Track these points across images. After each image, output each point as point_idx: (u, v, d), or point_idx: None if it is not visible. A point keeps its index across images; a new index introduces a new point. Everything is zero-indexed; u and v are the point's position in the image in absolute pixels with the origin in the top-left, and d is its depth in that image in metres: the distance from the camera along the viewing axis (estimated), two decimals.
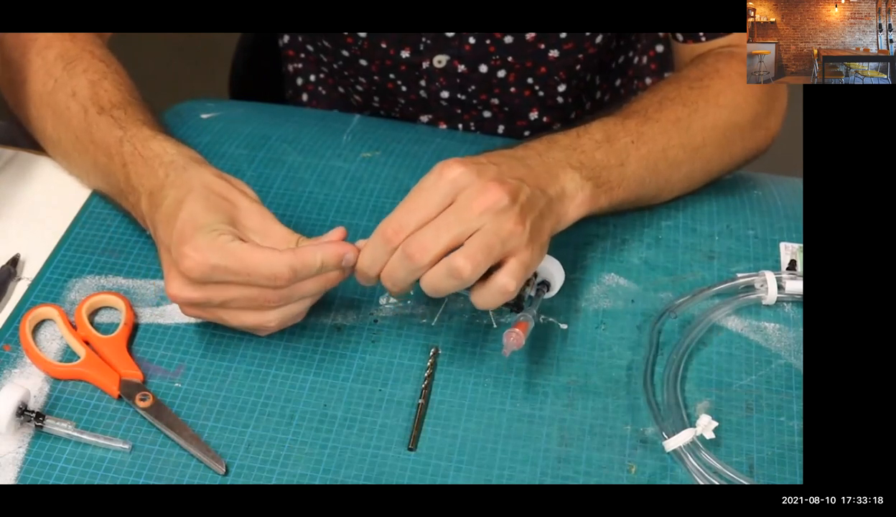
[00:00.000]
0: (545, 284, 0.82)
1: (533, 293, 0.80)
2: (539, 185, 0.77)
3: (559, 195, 0.79)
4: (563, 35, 1.03)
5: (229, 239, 0.74)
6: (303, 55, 1.20)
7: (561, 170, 0.80)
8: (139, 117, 0.86)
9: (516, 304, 0.78)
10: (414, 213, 0.74)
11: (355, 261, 0.76)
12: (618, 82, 1.19)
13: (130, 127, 0.85)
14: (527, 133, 1.14)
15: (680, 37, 0.99)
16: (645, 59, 1.22)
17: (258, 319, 0.77)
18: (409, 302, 0.85)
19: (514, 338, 0.76)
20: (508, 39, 1.02)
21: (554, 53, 1.04)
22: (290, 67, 1.22)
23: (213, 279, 0.74)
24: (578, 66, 1.07)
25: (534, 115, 1.12)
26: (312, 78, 1.21)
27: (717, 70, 0.93)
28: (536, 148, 0.82)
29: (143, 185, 0.81)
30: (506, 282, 0.74)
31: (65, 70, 0.90)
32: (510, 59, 1.04)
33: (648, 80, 1.23)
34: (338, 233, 0.77)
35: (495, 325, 0.83)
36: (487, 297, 0.75)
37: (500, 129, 1.14)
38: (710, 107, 0.90)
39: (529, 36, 1.02)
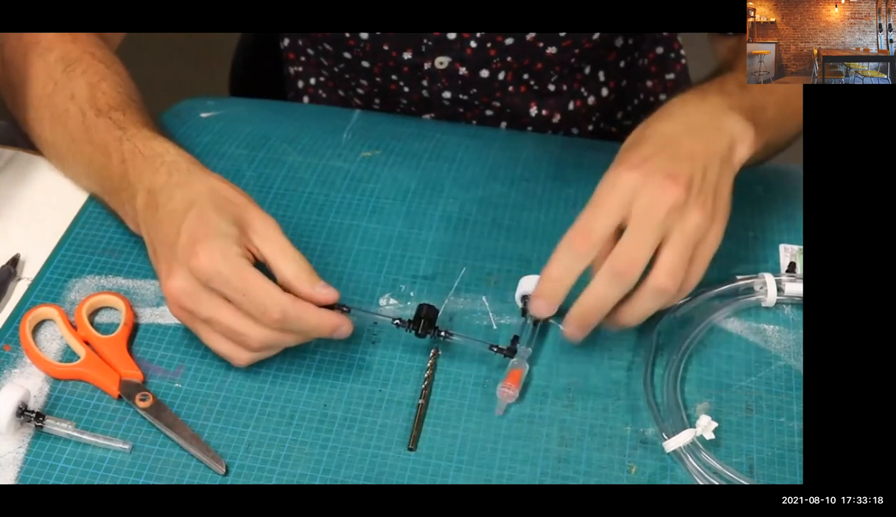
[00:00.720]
0: None
1: (530, 321, 0.81)
2: (709, 150, 0.77)
3: (730, 144, 0.79)
4: (563, 33, 1.03)
5: (240, 253, 0.75)
6: (303, 58, 1.20)
7: (723, 114, 0.80)
8: (138, 119, 0.87)
9: (509, 349, 0.79)
10: (599, 221, 0.73)
11: (344, 335, 0.76)
12: (624, 83, 1.19)
13: (130, 127, 0.85)
14: (529, 129, 1.14)
15: (731, 33, 0.98)
16: (646, 61, 1.22)
17: (231, 352, 0.77)
18: (408, 302, 0.85)
19: (507, 393, 0.77)
20: (509, 41, 1.02)
21: (552, 50, 1.04)
22: (292, 70, 1.22)
23: (211, 285, 0.74)
24: (573, 60, 1.08)
25: (534, 111, 1.12)
26: (313, 81, 1.20)
27: None
28: (690, 104, 0.82)
29: (142, 182, 0.81)
30: (700, 271, 0.76)
31: (64, 72, 0.90)
32: (509, 59, 1.04)
33: (650, 82, 1.23)
34: (332, 295, 0.76)
35: (495, 326, 0.83)
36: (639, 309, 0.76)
37: (503, 125, 1.14)
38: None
39: (530, 36, 1.02)
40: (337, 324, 0.76)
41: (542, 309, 0.76)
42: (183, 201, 0.77)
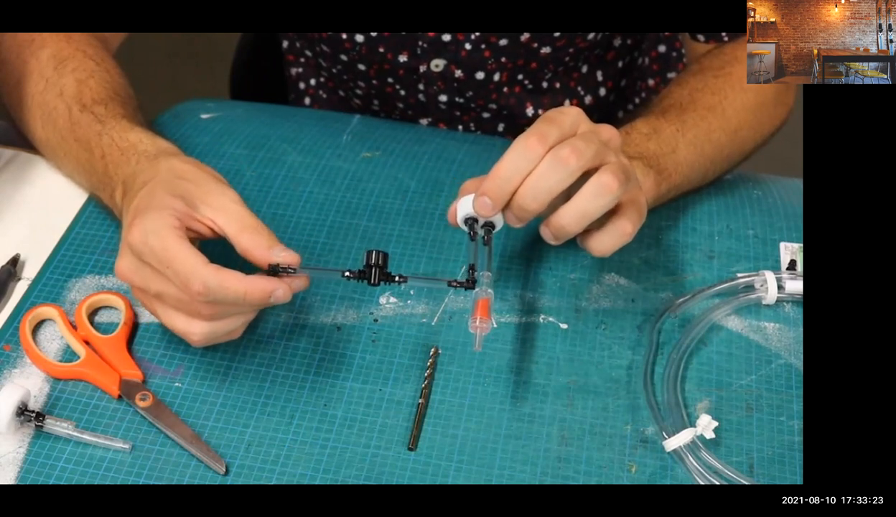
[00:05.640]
0: (490, 225, 0.77)
1: (483, 236, 0.76)
2: None
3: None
4: (557, 33, 1.03)
5: (173, 225, 0.72)
6: (303, 60, 1.20)
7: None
8: (119, 111, 0.86)
9: (469, 281, 0.74)
10: (554, 130, 0.73)
11: (286, 298, 0.71)
12: (623, 83, 1.19)
13: (110, 120, 0.85)
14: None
15: (701, 37, 1.02)
16: (647, 60, 1.22)
17: (184, 326, 0.73)
18: (408, 301, 0.85)
19: (481, 326, 0.73)
20: (503, 42, 1.02)
21: (546, 50, 1.04)
22: (293, 72, 1.22)
23: (143, 259, 0.72)
24: (567, 58, 1.08)
25: (530, 111, 1.12)
26: (313, 82, 1.21)
27: (736, 57, 0.96)
28: None
29: (118, 175, 0.81)
30: (626, 227, 0.76)
31: (55, 70, 0.90)
32: (503, 59, 1.04)
33: (651, 82, 1.23)
34: (294, 258, 0.73)
35: (495, 325, 0.83)
36: (607, 241, 0.77)
37: (500, 127, 1.14)
38: (737, 92, 0.94)
39: (524, 37, 1.02)
40: (269, 289, 0.71)
41: (486, 208, 0.73)
42: (142, 185, 0.76)
